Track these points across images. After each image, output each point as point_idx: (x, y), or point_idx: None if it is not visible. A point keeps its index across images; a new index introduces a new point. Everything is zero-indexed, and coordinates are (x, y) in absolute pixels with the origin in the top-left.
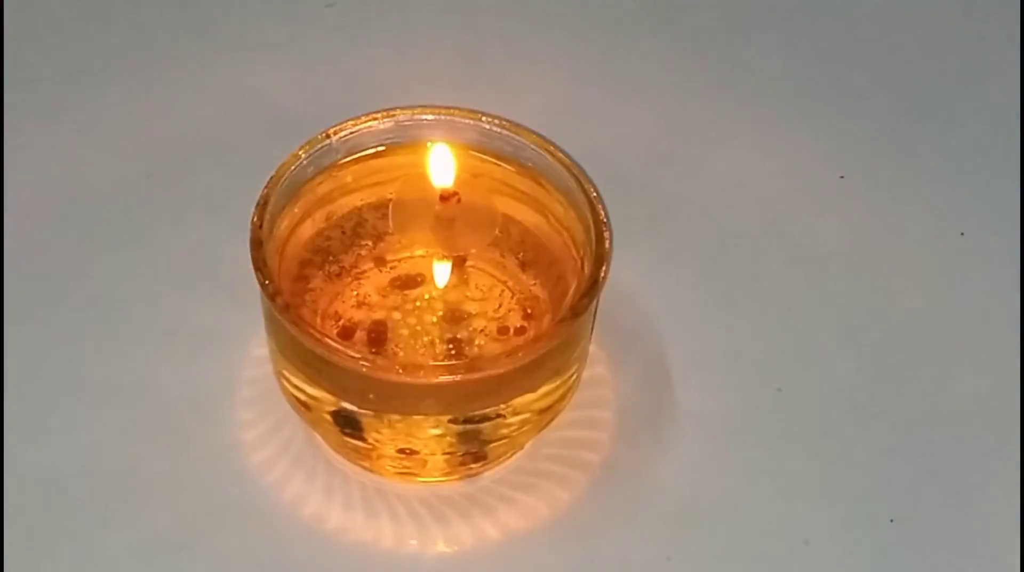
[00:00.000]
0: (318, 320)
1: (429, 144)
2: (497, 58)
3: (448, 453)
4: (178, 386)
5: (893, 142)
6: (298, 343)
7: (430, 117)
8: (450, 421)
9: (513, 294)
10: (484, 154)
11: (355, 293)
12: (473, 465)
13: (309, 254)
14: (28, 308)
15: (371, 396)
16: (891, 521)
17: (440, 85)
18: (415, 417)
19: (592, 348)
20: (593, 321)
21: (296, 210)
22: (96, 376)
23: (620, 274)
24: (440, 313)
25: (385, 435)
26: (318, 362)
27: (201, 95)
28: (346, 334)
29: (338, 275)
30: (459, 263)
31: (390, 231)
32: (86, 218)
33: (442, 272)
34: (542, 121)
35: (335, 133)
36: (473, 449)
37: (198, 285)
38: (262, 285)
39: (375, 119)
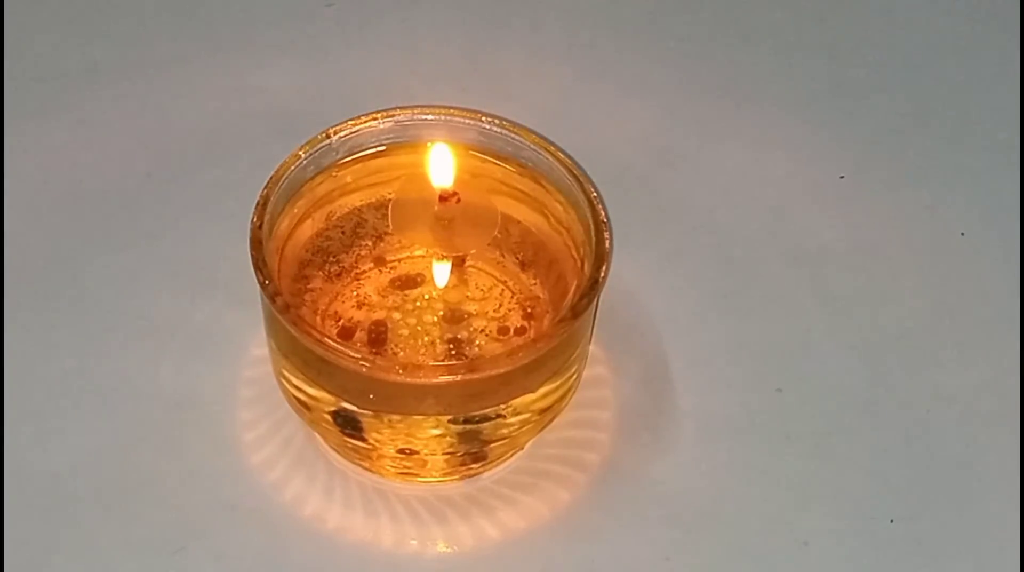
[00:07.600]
0: (318, 320)
1: (429, 144)
2: (497, 58)
3: (448, 453)
4: (178, 386)
5: (893, 142)
6: (298, 343)
7: (430, 117)
8: (450, 421)
9: (513, 294)
10: (484, 154)
11: (355, 293)
12: (473, 465)
13: (309, 254)
14: (28, 308)
15: (371, 396)
16: (891, 521)
17: (440, 85)
18: (415, 417)
19: (592, 348)
20: (593, 321)
21: (296, 210)
22: (96, 376)
23: (620, 274)
24: (440, 313)
25: (385, 435)
26: (318, 362)
27: (201, 95)
28: (346, 334)
29: (338, 275)
30: (459, 263)
31: (390, 231)
32: (86, 218)
33: (442, 272)
34: (542, 121)
35: (335, 133)
36: (473, 449)
37: (198, 285)
38: (262, 285)
39: (375, 119)
